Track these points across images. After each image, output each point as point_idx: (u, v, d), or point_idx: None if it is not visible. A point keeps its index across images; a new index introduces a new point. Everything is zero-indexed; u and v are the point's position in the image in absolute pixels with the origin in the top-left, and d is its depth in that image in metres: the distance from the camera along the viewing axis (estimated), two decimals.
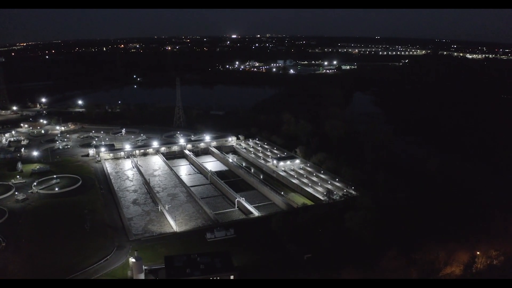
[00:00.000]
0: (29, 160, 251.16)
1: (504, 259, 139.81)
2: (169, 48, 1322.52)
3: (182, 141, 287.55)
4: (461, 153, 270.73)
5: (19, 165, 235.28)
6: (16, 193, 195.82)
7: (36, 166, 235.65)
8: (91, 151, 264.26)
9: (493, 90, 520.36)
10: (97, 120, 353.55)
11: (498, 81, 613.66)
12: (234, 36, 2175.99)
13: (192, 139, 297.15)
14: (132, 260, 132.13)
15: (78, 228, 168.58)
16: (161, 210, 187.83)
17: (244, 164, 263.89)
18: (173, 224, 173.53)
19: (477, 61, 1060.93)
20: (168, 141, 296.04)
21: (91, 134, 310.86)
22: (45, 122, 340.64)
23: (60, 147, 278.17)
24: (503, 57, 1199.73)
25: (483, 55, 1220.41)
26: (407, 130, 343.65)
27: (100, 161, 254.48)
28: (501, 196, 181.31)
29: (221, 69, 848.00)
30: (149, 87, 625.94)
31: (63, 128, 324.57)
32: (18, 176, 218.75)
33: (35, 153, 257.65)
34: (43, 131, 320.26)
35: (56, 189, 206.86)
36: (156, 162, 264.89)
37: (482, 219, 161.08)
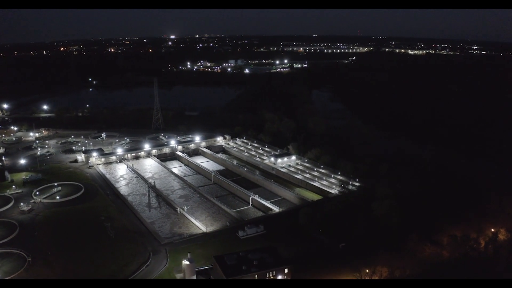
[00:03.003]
0: (14, 169, 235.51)
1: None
2: (112, 50, 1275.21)
3: (173, 142, 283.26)
4: (439, 144, 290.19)
5: (7, 174, 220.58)
6: (22, 204, 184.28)
7: (27, 175, 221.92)
8: (79, 157, 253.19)
9: (444, 83, 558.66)
10: (70, 125, 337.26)
11: (457, 75, 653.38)
12: (172, 36, 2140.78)
13: (181, 140, 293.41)
14: (185, 262, 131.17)
15: (102, 236, 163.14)
16: (180, 212, 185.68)
17: (235, 163, 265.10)
18: (199, 225, 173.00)
19: (420, 57, 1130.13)
20: (156, 143, 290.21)
21: (70, 139, 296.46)
22: (15, 128, 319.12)
23: (42, 154, 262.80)
24: (443, 52, 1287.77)
25: (424, 51, 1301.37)
26: (381, 125, 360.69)
27: (92, 166, 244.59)
28: (495, 181, 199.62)
29: (175, 70, 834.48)
30: (106, 90, 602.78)
31: (37, 134, 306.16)
32: (13, 186, 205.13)
33: (22, 161, 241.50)
34: (14, 138, 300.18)
35: (58, 197, 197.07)
36: (151, 165, 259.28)
37: (480, 202, 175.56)
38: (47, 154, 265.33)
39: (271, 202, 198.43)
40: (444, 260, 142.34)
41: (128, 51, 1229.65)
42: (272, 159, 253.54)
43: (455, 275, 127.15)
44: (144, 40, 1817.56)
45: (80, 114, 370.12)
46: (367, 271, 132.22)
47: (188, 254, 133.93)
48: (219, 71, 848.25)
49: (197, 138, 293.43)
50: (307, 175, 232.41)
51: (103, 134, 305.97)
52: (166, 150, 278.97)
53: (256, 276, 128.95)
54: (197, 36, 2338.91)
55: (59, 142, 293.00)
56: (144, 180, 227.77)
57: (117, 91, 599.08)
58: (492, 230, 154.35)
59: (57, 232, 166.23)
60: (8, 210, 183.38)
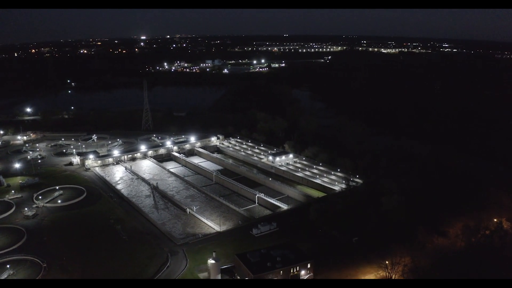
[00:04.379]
0: (8, 174, 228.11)
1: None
2: (85, 51, 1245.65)
3: (168, 143, 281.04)
4: (425, 139, 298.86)
5: (2, 179, 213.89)
6: (26, 209, 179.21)
7: (24, 179, 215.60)
8: (74, 159, 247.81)
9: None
10: (56, 128, 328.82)
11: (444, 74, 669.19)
12: (143, 37, 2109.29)
13: (175, 141, 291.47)
14: (211, 261, 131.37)
15: (115, 239, 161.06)
16: (189, 212, 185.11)
17: (231, 161, 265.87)
18: (212, 225, 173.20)
19: (393, 55, 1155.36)
20: (151, 144, 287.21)
21: (60, 142, 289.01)
22: (1, 132, 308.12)
23: (33, 158, 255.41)
24: (415, 50, 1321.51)
25: (397, 50, 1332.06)
26: (368, 122, 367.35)
27: (89, 169, 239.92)
28: (486, 174, 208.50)
29: (152, 70, 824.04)
30: (86, 92, 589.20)
31: (25, 137, 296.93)
32: (12, 191, 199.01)
33: (15, 166, 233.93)
34: (1, 142, 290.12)
35: (59, 201, 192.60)
36: (149, 166, 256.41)
37: (479, 195, 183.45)
38: (39, 157, 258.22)
39: (277, 200, 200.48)
40: (455, 250, 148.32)
41: (101, 53, 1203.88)
42: (270, 157, 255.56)
43: (467, 263, 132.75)
44: (115, 41, 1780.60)
45: (66, 116, 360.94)
46: (387, 262, 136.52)
47: (213, 253, 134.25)
48: (198, 71, 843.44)
49: (192, 139, 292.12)
50: (307, 173, 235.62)
51: (94, 136, 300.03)
52: (162, 151, 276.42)
53: (281, 272, 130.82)
54: (168, 36, 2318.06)
55: (49, 145, 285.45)
56: (146, 181, 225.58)
57: (97, 92, 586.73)
58: (495, 220, 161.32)
59: (67, 236, 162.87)
60: (11, 215, 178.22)
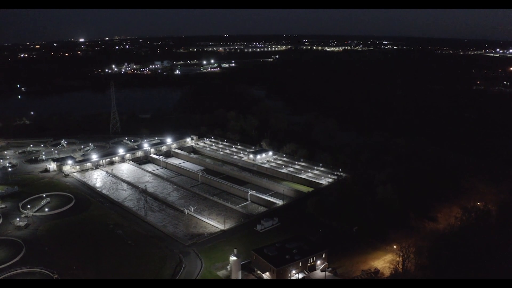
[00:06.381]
0: None
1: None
2: (26, 55, 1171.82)
3: (145, 145, 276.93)
4: (388, 132, 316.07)
5: None
6: (18, 219, 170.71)
7: (2, 189, 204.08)
8: (50, 166, 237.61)
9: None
10: (19, 134, 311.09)
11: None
12: (82, 39, 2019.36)
13: (149, 142, 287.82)
14: (233, 258, 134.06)
15: (120, 244, 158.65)
16: (187, 213, 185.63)
17: (207, 161, 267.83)
18: (214, 223, 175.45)
19: (338, 53, 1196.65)
20: (128, 147, 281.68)
21: (29, 149, 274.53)
22: None
23: (4, 166, 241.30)
24: (357, 48, 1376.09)
25: (341, 48, 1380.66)
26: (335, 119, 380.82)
27: (68, 175, 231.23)
28: (461, 165, 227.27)
29: (102, 73, 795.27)
30: (36, 97, 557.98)
31: None
32: None
33: None
34: None
35: (46, 210, 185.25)
36: (129, 169, 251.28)
37: (457, 183, 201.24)
38: (9, 165, 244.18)
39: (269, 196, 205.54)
40: (449, 232, 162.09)
41: (43, 56, 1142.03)
42: (251, 156, 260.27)
43: (466, 241, 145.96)
44: (54, 44, 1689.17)
45: (28, 122, 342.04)
46: (394, 246, 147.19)
47: (234, 250, 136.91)
48: (149, 73, 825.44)
49: (169, 140, 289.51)
50: (290, 169, 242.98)
51: (63, 142, 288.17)
52: (139, 153, 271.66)
53: (300, 263, 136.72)
54: (107, 38, 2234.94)
55: (17, 152, 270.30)
56: (132, 184, 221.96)
57: (49, 97, 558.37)
58: (478, 203, 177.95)
59: (69, 245, 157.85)
60: (1, 227, 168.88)
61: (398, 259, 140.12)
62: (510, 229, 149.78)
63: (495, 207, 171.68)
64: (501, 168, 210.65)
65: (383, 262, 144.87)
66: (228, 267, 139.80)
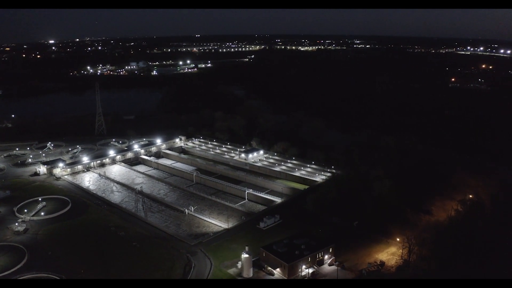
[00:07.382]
0: None
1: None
2: None
3: (136, 147, 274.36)
4: (375, 130, 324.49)
5: None
6: (16, 223, 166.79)
7: None
8: (40, 169, 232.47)
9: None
10: (1, 137, 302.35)
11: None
12: (52, 41, 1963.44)
13: (141, 144, 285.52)
14: (245, 255, 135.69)
15: (125, 246, 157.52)
16: (188, 213, 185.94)
17: (199, 161, 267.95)
18: (216, 222, 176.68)
19: (312, 53, 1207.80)
20: (118, 149, 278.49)
21: (15, 152, 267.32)
22: None
23: None
24: (330, 47, 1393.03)
25: (315, 47, 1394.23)
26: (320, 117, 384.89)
27: (60, 178, 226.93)
28: (448, 160, 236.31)
29: (77, 75, 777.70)
30: (12, 99, 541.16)
31: None
32: None
33: None
34: None
35: (42, 213, 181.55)
36: (121, 171, 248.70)
37: (447, 177, 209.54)
38: None
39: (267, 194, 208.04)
40: (446, 224, 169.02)
41: (15, 58, 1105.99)
42: (243, 155, 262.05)
43: (465, 230, 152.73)
44: (25, 46, 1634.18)
45: (10, 125, 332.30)
46: (398, 239, 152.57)
47: (246, 247, 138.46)
48: (126, 74, 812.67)
49: (158, 141, 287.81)
50: (283, 167, 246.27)
51: (50, 144, 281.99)
52: (129, 155, 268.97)
53: (309, 258, 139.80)
54: (78, 39, 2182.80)
55: (2, 156, 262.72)
56: (126, 186, 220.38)
57: (26, 99, 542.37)
58: (470, 196, 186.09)
59: (72, 248, 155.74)
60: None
61: (402, 251, 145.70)
62: (504, 219, 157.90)
63: (487, 199, 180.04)
64: (487, 162, 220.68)
65: (387, 255, 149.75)
66: (238, 264, 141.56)
